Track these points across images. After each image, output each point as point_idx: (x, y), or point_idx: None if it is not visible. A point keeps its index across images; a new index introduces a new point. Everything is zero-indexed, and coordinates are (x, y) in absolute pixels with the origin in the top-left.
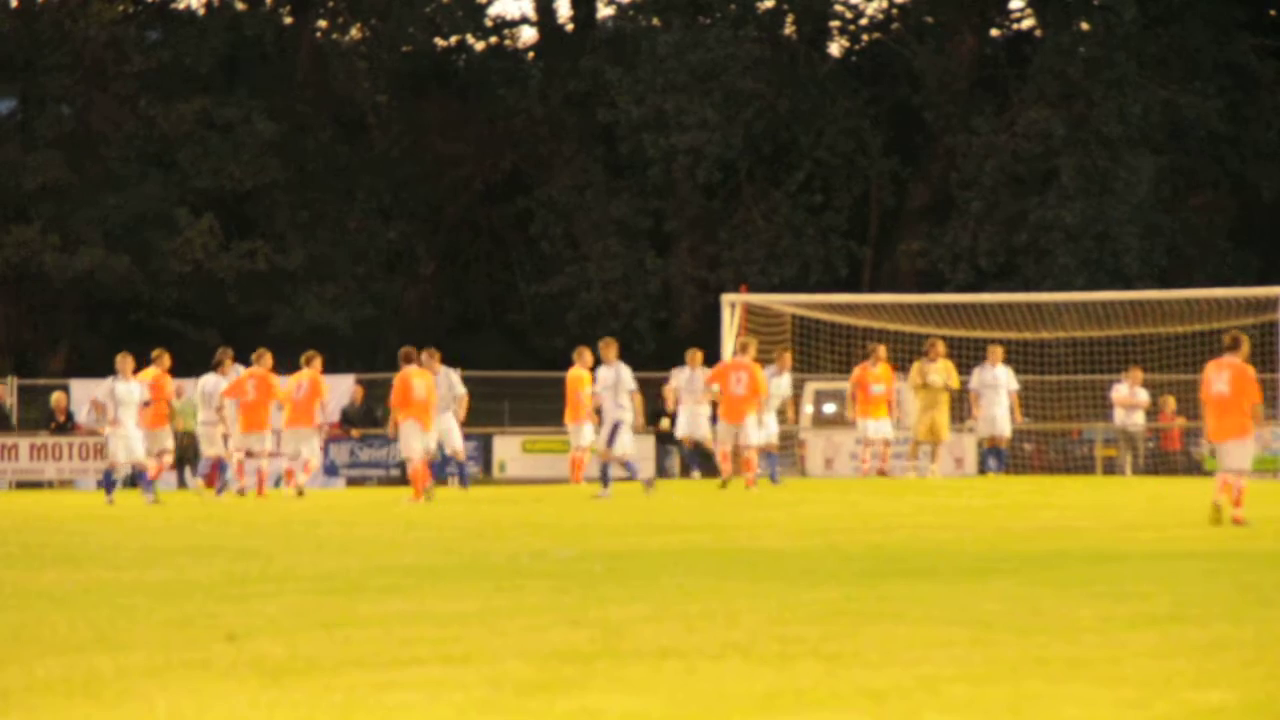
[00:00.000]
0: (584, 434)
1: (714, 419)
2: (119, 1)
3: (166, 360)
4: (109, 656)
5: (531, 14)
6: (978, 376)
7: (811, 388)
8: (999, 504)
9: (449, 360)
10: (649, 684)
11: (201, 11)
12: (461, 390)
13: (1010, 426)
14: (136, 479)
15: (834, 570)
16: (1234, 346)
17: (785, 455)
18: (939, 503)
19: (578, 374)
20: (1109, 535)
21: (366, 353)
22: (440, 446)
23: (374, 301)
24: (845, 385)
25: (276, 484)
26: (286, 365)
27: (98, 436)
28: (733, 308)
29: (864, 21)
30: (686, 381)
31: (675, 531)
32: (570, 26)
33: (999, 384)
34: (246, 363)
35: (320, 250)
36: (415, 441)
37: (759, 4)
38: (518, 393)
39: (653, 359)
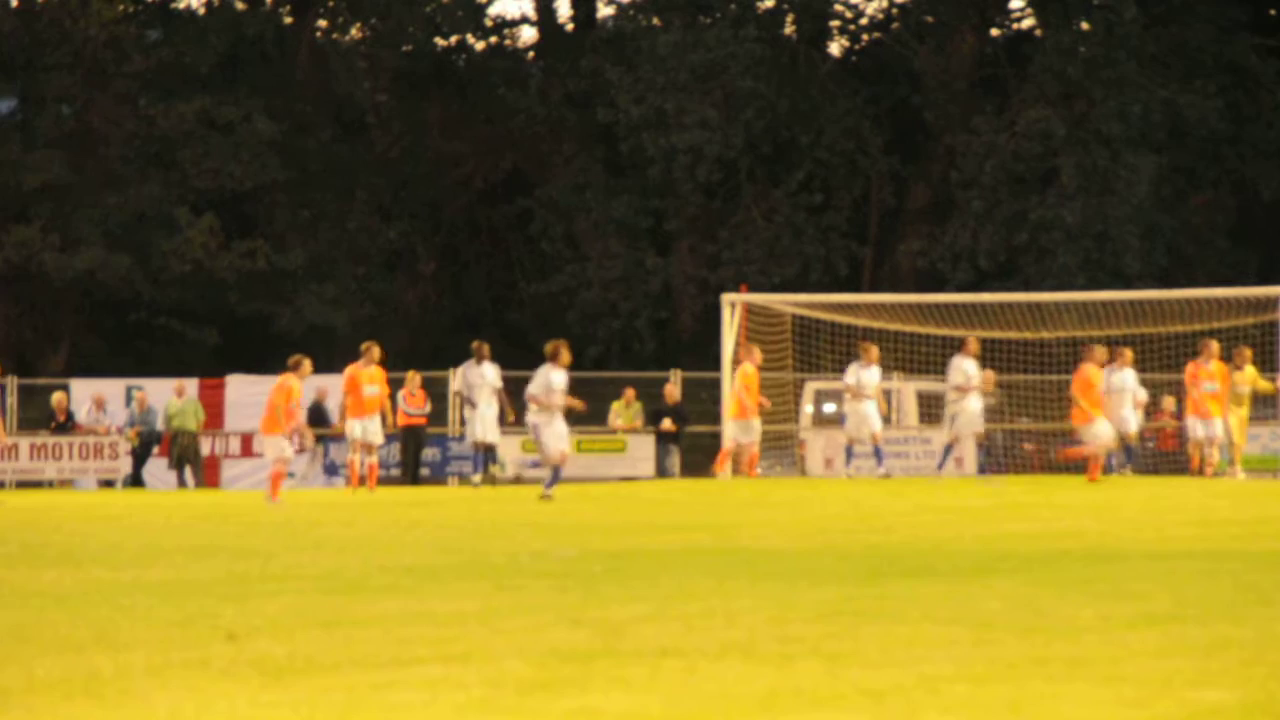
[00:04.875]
0: (752, 429)
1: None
2: (119, 1)
3: (307, 367)
4: (109, 656)
5: (531, 14)
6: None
7: (811, 387)
8: (999, 504)
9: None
10: (649, 684)
11: (201, 11)
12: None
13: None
14: None
15: (834, 570)
16: None
17: (785, 455)
18: (939, 503)
19: (749, 370)
20: (1109, 535)
21: None
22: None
23: (374, 301)
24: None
25: None
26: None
27: (98, 436)
28: (733, 307)
29: (864, 21)
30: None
31: (675, 531)
32: (570, 26)
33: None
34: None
35: (320, 250)
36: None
37: (759, 4)
38: (518, 392)
39: (653, 359)
